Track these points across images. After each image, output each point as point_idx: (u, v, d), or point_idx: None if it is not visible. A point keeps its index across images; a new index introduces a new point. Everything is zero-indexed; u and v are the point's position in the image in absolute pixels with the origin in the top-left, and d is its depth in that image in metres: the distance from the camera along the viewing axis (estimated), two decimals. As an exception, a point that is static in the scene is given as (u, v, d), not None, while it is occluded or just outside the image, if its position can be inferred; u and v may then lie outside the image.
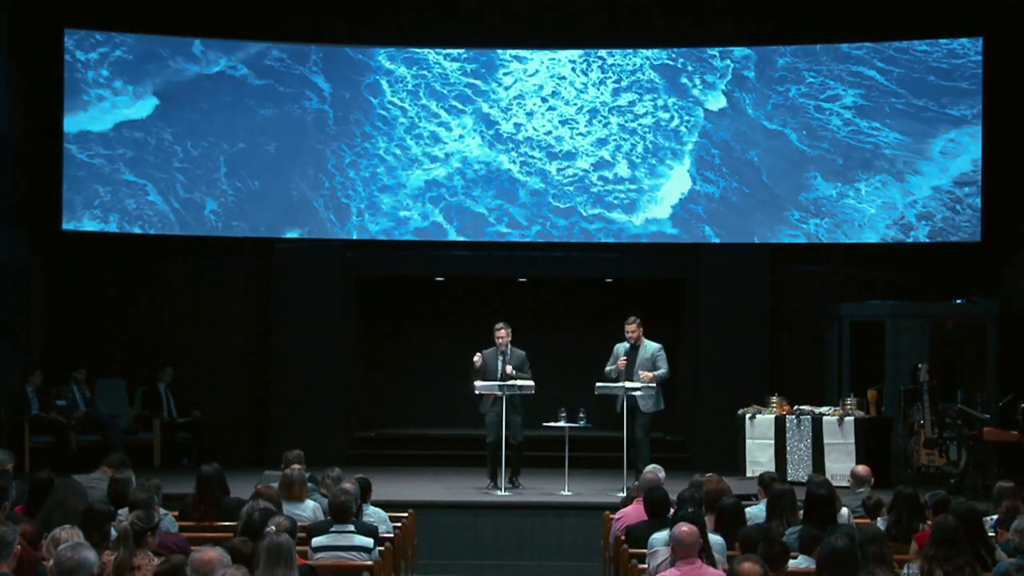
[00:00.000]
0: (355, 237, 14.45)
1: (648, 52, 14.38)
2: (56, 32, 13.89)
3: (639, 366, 11.43)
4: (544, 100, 14.44)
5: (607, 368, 11.59)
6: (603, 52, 14.43)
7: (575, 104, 14.43)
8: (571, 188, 14.38)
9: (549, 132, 14.41)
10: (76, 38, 13.95)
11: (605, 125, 14.39)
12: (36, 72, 13.97)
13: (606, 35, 14.50)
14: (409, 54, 14.45)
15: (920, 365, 12.77)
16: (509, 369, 11.62)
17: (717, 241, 14.32)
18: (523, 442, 11.77)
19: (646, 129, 14.34)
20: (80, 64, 13.96)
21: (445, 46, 14.44)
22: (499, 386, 11.44)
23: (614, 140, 14.37)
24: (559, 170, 14.38)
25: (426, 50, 14.44)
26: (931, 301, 13.71)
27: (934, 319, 13.76)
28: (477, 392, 11.58)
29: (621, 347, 11.57)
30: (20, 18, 13.66)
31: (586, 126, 14.42)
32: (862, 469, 9.10)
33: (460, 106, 14.43)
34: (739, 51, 14.31)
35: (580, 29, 14.53)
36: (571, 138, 14.40)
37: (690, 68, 14.34)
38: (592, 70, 14.44)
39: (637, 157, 14.34)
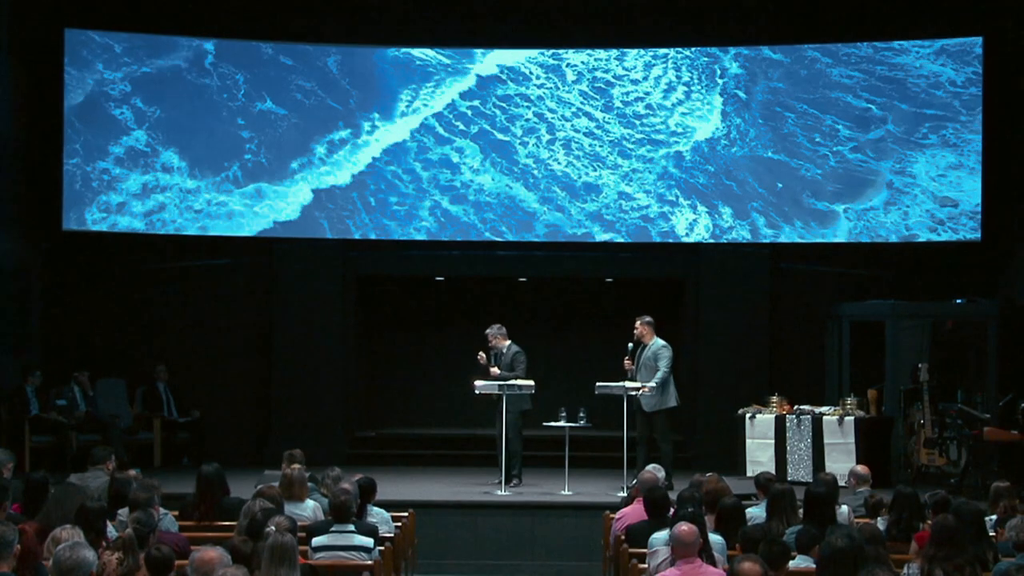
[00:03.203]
0: (356, 237, 14.48)
1: (642, 60, 14.39)
2: (56, 32, 13.89)
3: (642, 364, 11.56)
4: (543, 118, 14.45)
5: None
6: (602, 66, 14.44)
7: (576, 121, 14.41)
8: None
9: (549, 152, 14.43)
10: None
11: (607, 143, 14.40)
12: (36, 72, 13.96)
13: (602, 37, 14.52)
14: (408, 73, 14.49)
15: (920, 365, 12.75)
16: (494, 370, 11.77)
17: (717, 241, 14.33)
18: (519, 439, 11.80)
19: (649, 148, 14.37)
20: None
21: (438, 46, 14.45)
22: (498, 386, 11.48)
23: (618, 160, 14.39)
24: (565, 191, 14.39)
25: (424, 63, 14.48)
26: (931, 301, 13.70)
27: (934, 319, 13.75)
28: (477, 392, 11.62)
29: (630, 345, 11.70)
30: (20, 18, 13.65)
31: (583, 145, 14.42)
32: (861, 468, 9.13)
33: (463, 127, 14.44)
34: (733, 70, 14.30)
35: (577, 31, 14.54)
36: (574, 155, 14.39)
37: (686, 78, 14.35)
38: (591, 86, 14.42)
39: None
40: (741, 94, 14.27)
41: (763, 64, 14.28)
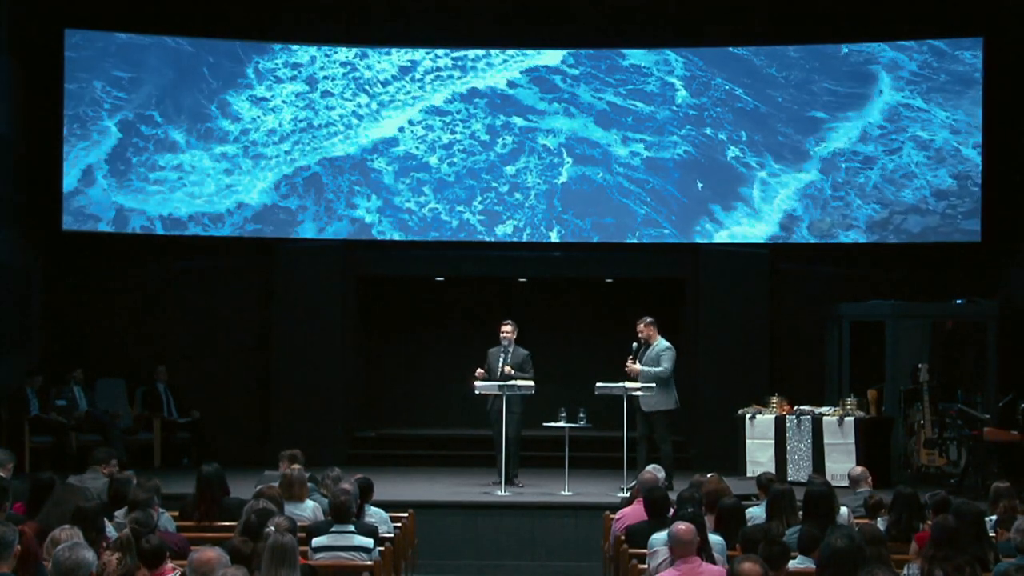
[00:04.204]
0: (356, 237, 14.49)
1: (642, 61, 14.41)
2: (56, 32, 13.89)
3: (645, 364, 11.55)
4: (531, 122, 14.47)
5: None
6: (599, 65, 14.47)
7: (572, 122, 14.42)
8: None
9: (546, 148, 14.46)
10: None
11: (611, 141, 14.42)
12: (36, 72, 13.96)
13: (599, 36, 14.55)
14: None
15: (920, 365, 12.75)
16: (507, 369, 11.68)
17: (717, 241, 14.33)
18: (519, 439, 11.81)
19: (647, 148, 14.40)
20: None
21: (436, 46, 14.47)
22: (498, 386, 11.48)
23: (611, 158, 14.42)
24: (564, 191, 14.40)
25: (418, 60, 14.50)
26: (931, 301, 13.70)
27: (934, 319, 13.75)
28: (477, 392, 11.62)
29: (634, 345, 11.68)
30: (20, 18, 13.65)
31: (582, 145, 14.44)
32: (858, 470, 9.10)
33: (463, 128, 14.45)
34: (735, 69, 14.31)
35: (574, 30, 14.55)
36: (571, 153, 14.41)
37: (683, 78, 14.37)
38: (586, 82, 14.44)
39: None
40: (746, 94, 14.28)
41: (766, 63, 14.29)
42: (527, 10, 14.44)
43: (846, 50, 14.17)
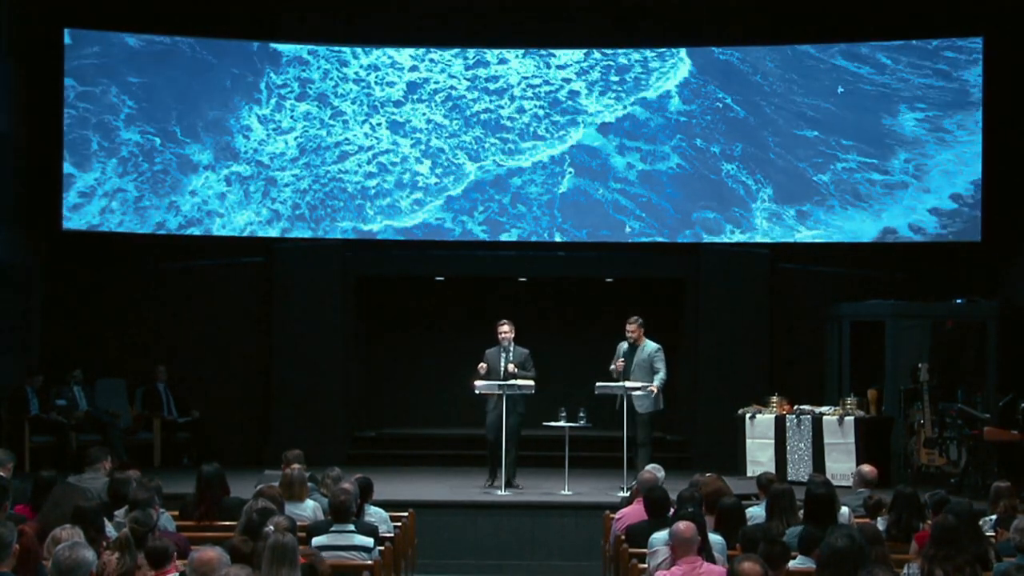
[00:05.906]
0: (355, 237, 14.49)
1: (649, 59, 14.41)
2: (56, 32, 13.89)
3: (636, 366, 11.50)
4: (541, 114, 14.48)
5: (611, 367, 11.64)
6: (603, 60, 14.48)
7: (576, 122, 14.44)
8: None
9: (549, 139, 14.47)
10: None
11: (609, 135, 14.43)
12: (36, 72, 13.96)
13: (603, 35, 14.55)
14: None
15: (920, 365, 12.74)
16: (512, 367, 11.65)
17: (717, 241, 14.33)
18: (518, 440, 11.80)
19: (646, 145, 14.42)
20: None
21: (437, 46, 14.47)
22: (499, 386, 11.46)
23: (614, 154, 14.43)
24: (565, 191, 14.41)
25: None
26: (931, 301, 13.70)
27: (934, 319, 13.74)
28: (477, 392, 11.61)
29: (622, 346, 11.65)
30: (20, 18, 13.65)
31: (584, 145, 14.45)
32: (868, 470, 9.05)
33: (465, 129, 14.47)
34: (737, 69, 14.31)
35: (577, 29, 14.55)
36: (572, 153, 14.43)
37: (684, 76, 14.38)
38: (592, 80, 14.44)
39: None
40: (737, 99, 14.29)
41: (763, 62, 14.30)
42: (533, 10, 14.46)
43: (842, 61, 14.12)
